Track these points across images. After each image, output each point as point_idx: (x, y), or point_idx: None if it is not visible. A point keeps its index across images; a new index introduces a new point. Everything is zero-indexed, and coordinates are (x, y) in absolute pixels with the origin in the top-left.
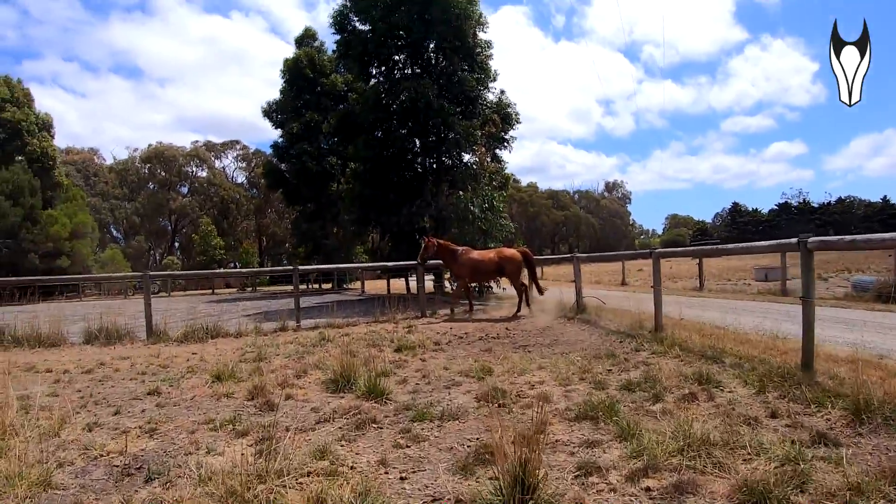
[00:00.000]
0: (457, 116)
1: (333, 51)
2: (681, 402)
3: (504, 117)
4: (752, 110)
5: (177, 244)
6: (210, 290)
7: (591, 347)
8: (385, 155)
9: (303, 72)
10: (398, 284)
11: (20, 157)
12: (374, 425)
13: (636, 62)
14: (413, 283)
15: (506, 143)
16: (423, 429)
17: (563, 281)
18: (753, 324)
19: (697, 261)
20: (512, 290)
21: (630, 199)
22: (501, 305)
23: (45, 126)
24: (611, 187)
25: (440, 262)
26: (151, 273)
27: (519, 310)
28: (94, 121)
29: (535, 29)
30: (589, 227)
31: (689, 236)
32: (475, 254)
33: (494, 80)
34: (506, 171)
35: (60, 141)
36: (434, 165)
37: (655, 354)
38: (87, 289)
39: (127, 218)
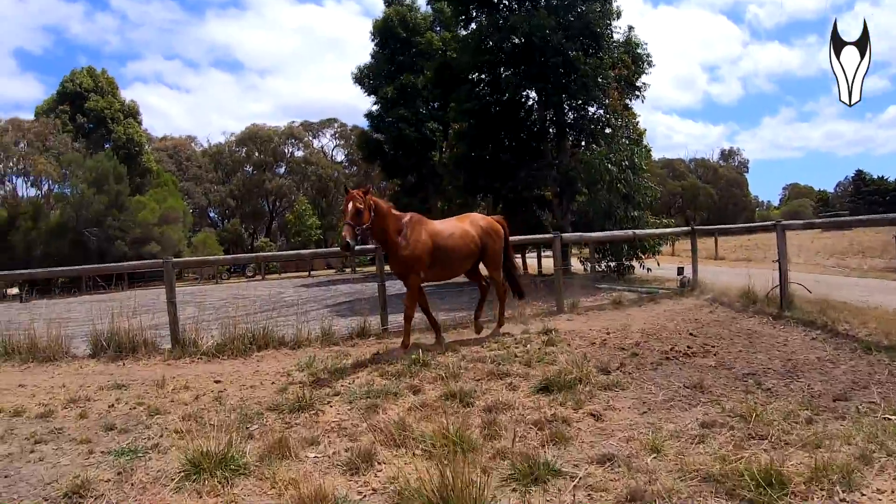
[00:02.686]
0: (581, 55)
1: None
2: None
3: (634, 59)
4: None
5: (275, 225)
6: (307, 273)
7: (871, 381)
8: (493, 110)
9: (394, 31)
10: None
11: (107, 146)
12: None
13: (741, 24)
14: (533, 262)
15: (638, 91)
16: None
17: (684, 257)
18: None
19: None
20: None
21: (748, 167)
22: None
23: (131, 113)
24: (727, 155)
25: (379, 242)
26: (175, 259)
27: (501, 323)
28: (200, 114)
29: None
30: (707, 197)
31: (811, 207)
32: (437, 225)
33: (618, 17)
34: (640, 125)
35: (163, 133)
36: (554, 118)
37: None
38: (189, 273)
39: (222, 201)
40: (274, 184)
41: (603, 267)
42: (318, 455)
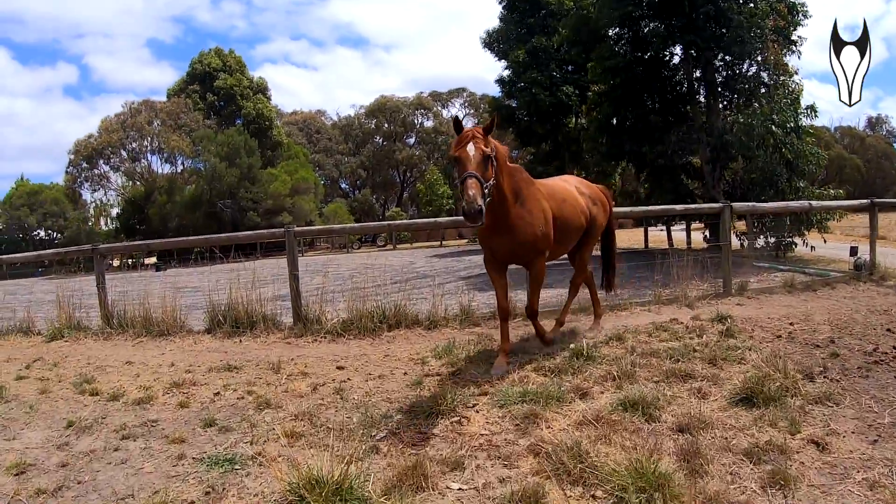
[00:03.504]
0: (733, 3)
1: None
2: None
3: (789, 8)
4: None
5: (406, 194)
6: (438, 242)
7: None
8: (635, 68)
9: None
10: (657, 237)
11: (238, 121)
12: None
13: None
14: (679, 235)
15: (794, 46)
16: None
17: (837, 234)
18: None
19: None
20: None
21: None
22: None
23: (260, 89)
24: (874, 123)
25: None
26: (297, 229)
27: (598, 316)
28: (328, 90)
29: None
30: (854, 169)
31: None
32: (547, 185)
33: None
34: (799, 83)
35: (293, 109)
36: (702, 77)
37: None
38: (321, 241)
39: (353, 172)
40: (404, 154)
41: (761, 243)
42: (464, 487)
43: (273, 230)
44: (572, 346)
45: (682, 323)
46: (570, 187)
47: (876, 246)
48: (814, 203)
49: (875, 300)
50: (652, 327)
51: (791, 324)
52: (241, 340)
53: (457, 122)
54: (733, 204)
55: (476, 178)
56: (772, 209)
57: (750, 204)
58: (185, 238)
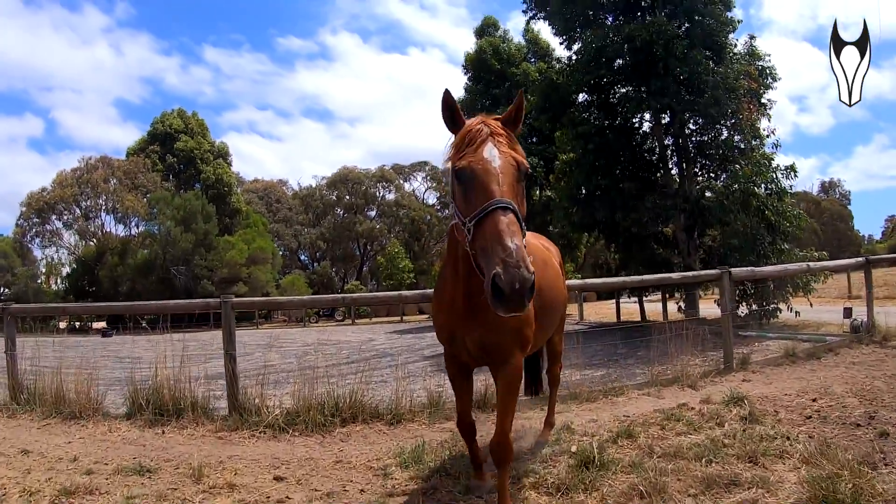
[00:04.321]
0: (708, 65)
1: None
2: None
3: (760, 71)
4: None
5: (366, 268)
6: (399, 318)
7: None
8: (607, 134)
9: (488, 63)
10: (625, 309)
11: (196, 185)
12: None
13: (825, 49)
14: (654, 307)
15: (764, 108)
16: None
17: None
18: None
19: None
20: None
21: (849, 199)
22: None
23: (221, 154)
24: (827, 187)
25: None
26: (235, 300)
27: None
28: (292, 161)
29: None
30: (811, 233)
31: None
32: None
33: (735, 28)
34: (777, 141)
35: (254, 177)
36: (678, 141)
37: None
38: (279, 314)
39: (312, 243)
40: (365, 226)
41: (745, 311)
42: None
43: (208, 300)
44: (574, 448)
45: (693, 409)
46: (542, 247)
47: (873, 305)
48: (811, 264)
49: (887, 363)
50: (661, 416)
51: (814, 400)
52: (164, 431)
53: (448, 101)
54: (732, 269)
55: (515, 214)
56: (771, 273)
57: (749, 269)
58: (106, 304)
